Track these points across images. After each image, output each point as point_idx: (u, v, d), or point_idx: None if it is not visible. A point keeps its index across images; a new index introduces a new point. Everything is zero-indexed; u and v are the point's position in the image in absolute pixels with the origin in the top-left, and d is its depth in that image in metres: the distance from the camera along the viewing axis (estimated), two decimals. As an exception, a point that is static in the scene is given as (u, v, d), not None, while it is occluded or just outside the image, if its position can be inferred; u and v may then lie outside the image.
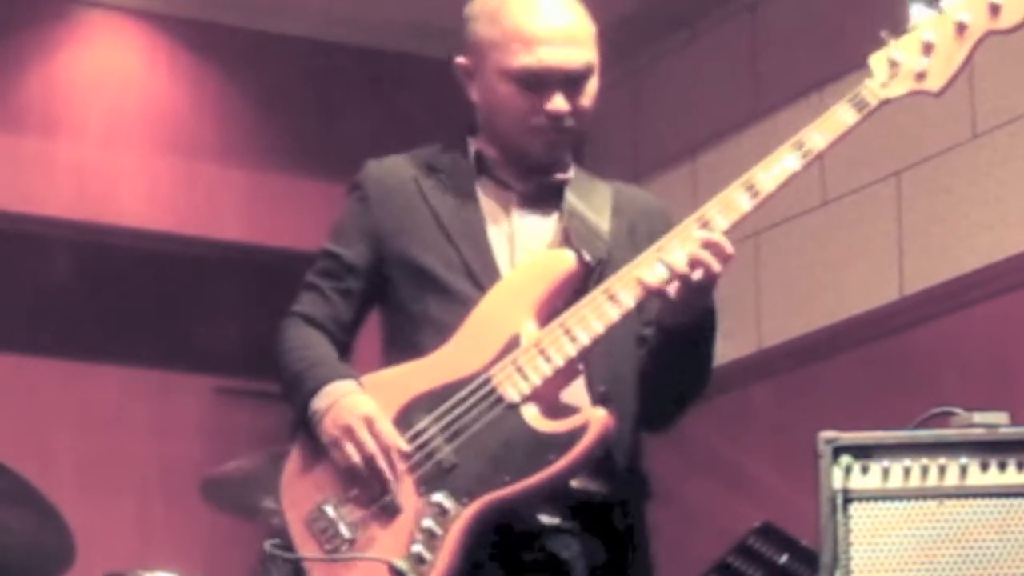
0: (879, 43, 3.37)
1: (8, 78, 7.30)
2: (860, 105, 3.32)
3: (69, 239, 7.48)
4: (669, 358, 3.40)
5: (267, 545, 3.53)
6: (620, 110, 7.59)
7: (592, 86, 3.46)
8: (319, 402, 3.38)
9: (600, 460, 3.32)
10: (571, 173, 3.56)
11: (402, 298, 3.51)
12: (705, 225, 3.34)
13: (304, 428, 3.43)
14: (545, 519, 3.38)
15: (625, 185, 3.70)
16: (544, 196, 3.53)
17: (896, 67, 3.34)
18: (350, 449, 3.31)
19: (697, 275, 3.25)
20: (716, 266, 3.25)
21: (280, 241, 7.52)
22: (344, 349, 3.53)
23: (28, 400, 7.44)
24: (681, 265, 3.26)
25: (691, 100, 7.59)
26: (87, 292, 7.74)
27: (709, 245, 3.25)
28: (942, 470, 4.19)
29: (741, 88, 7.35)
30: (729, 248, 3.26)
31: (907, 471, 4.21)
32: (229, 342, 7.85)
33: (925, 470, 4.18)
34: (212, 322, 7.88)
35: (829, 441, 4.18)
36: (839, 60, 6.51)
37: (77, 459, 7.37)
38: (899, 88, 3.34)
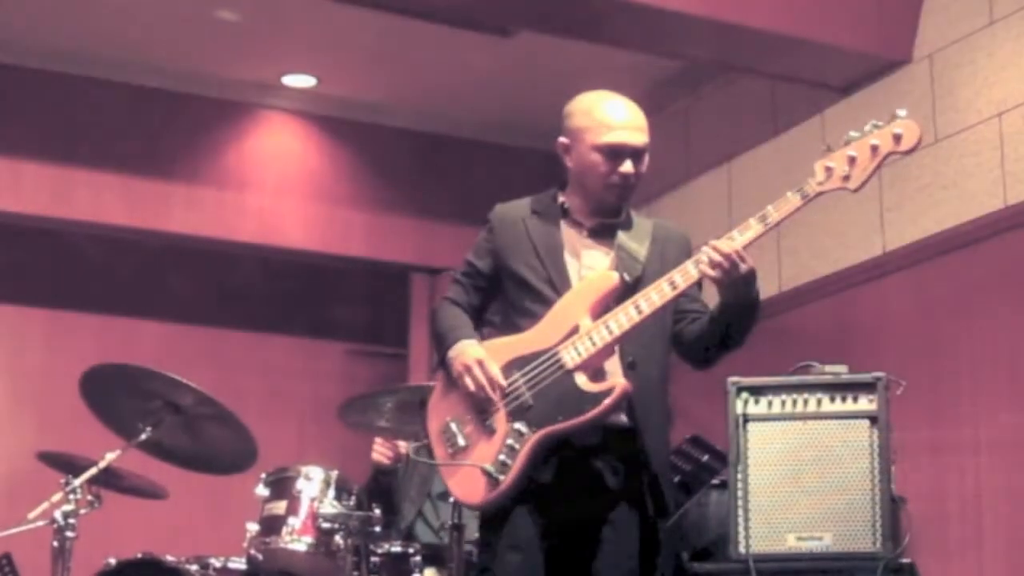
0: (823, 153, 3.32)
1: (215, 153, 7.35)
2: (803, 195, 3.28)
3: (253, 255, 7.62)
4: (722, 324, 3.41)
5: (412, 447, 3.67)
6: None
7: (647, 159, 3.50)
8: (452, 352, 3.45)
9: (629, 402, 3.38)
10: (623, 217, 3.54)
11: (510, 295, 3.55)
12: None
13: (444, 367, 3.49)
14: (586, 442, 3.38)
15: (663, 220, 3.69)
16: (603, 231, 3.52)
17: (830, 171, 3.28)
18: (468, 380, 3.39)
19: (718, 269, 3.27)
20: (718, 259, 3.25)
21: (386, 256, 7.60)
22: (474, 324, 3.59)
23: (225, 359, 7.62)
24: (705, 269, 3.29)
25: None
26: (264, 288, 7.90)
27: (713, 248, 3.28)
28: (805, 402, 4.43)
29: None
30: (731, 248, 3.26)
31: (783, 402, 4.47)
32: (355, 320, 7.91)
33: (795, 402, 4.45)
34: (344, 307, 7.96)
35: (734, 383, 4.49)
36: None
37: (259, 395, 7.43)
38: (830, 185, 3.29)
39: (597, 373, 3.37)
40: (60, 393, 5.42)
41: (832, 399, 4.44)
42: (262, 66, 7.21)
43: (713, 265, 3.28)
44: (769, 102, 6.64)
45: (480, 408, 3.41)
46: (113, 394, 4.69)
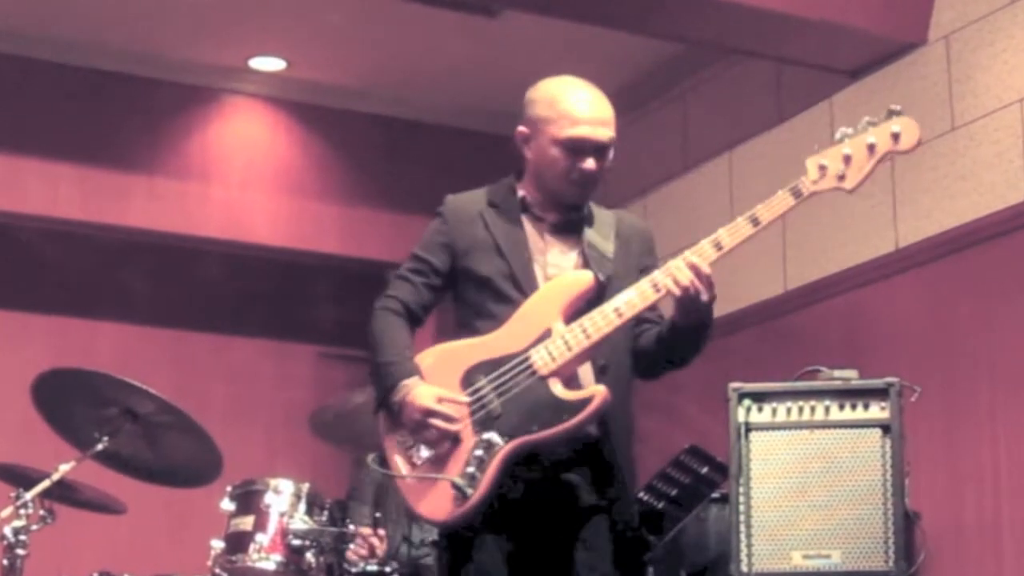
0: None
1: (177, 142, 7.33)
2: (796, 193, 3.29)
3: (218, 251, 7.57)
4: (671, 343, 3.42)
5: (369, 458, 3.53)
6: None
7: (611, 153, 3.47)
8: (397, 396, 3.34)
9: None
10: (586, 210, 3.52)
11: (468, 296, 3.49)
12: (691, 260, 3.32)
13: (388, 408, 3.38)
14: (556, 455, 3.34)
15: (624, 212, 3.65)
16: (567, 226, 3.50)
17: (824, 170, 3.28)
18: (427, 433, 3.29)
19: (682, 290, 3.27)
20: (684, 282, 3.25)
21: (361, 253, 7.56)
22: (419, 323, 3.52)
23: (187, 363, 7.66)
24: (670, 284, 3.28)
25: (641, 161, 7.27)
26: (229, 286, 7.85)
27: (691, 267, 3.27)
28: (812, 409, 4.51)
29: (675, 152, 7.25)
30: (706, 270, 3.27)
31: (788, 410, 4.54)
32: (328, 321, 7.90)
33: (801, 409, 4.52)
34: (316, 307, 7.97)
35: (735, 389, 4.57)
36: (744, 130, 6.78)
37: (224, 402, 7.47)
38: (825, 185, 3.30)
39: (571, 379, 3.34)
40: (10, 400, 5.45)
41: (841, 406, 4.51)
42: (227, 48, 7.19)
43: (686, 281, 3.25)
44: (773, 87, 6.66)
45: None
46: (67, 401, 4.66)
